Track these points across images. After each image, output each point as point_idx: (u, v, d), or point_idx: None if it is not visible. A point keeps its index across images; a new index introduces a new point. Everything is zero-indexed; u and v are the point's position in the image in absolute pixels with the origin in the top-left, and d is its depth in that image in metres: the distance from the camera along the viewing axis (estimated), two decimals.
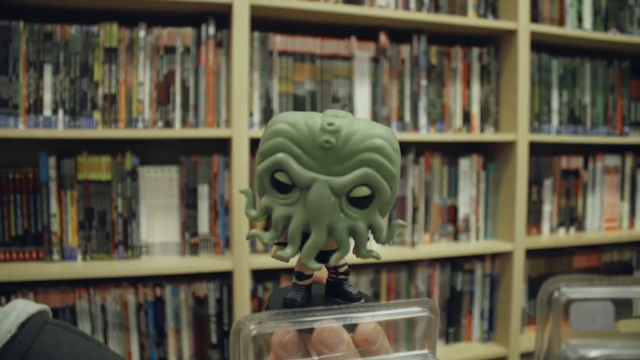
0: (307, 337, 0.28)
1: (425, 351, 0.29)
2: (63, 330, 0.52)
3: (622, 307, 0.24)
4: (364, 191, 0.29)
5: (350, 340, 0.28)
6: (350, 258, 0.32)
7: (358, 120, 0.30)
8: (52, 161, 1.31)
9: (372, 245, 0.30)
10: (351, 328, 0.28)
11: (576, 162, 1.80)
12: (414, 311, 0.29)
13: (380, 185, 0.29)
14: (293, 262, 0.32)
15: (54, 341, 0.50)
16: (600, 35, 1.71)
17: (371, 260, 0.31)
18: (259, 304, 1.44)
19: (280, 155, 0.29)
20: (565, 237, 1.77)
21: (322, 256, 0.30)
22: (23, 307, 0.51)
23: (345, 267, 0.33)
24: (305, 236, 0.30)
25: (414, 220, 1.57)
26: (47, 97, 1.30)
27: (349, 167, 0.29)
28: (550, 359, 0.24)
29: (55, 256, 1.32)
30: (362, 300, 0.33)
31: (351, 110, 1.50)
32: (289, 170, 0.29)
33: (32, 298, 1.30)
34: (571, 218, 1.80)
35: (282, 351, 0.28)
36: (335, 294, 0.33)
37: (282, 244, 0.30)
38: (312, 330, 0.28)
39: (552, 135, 1.72)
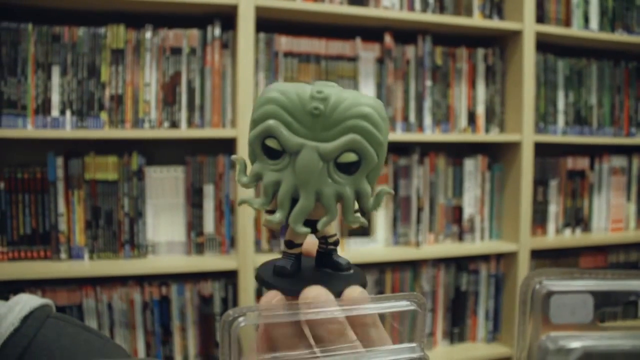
0: (295, 300, 0.29)
1: (413, 344, 0.29)
2: (65, 324, 0.53)
3: (602, 300, 0.25)
4: (351, 157, 0.30)
5: (336, 303, 0.29)
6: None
7: (347, 90, 0.31)
8: (59, 161, 1.33)
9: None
10: (338, 295, 0.29)
11: (582, 162, 1.80)
12: (402, 305, 0.29)
13: (367, 152, 0.30)
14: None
15: (56, 334, 0.51)
16: (606, 36, 1.71)
17: (357, 225, 0.32)
18: None
19: (271, 121, 0.30)
20: (571, 237, 1.77)
21: (312, 226, 0.31)
22: (26, 301, 0.52)
23: (335, 238, 0.34)
24: (294, 202, 0.31)
25: (418, 221, 1.57)
26: (55, 98, 1.31)
27: (337, 133, 0.30)
28: (530, 350, 0.25)
29: (63, 255, 1.34)
30: (351, 271, 0.34)
31: None
32: (279, 136, 0.30)
33: (40, 296, 1.31)
34: (577, 219, 1.80)
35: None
36: (325, 264, 0.34)
37: (273, 212, 0.31)
38: (298, 295, 0.29)
39: (558, 136, 1.72)
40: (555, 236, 1.76)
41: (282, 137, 0.30)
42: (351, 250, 1.51)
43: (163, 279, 1.40)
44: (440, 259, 1.63)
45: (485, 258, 1.68)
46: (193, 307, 1.41)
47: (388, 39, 1.52)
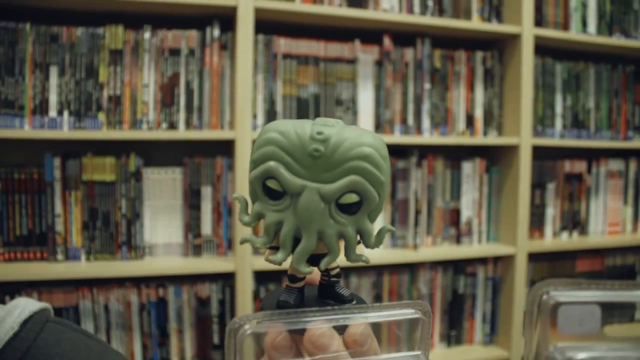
0: (299, 339, 0.29)
1: (417, 352, 0.29)
2: (64, 328, 0.53)
3: (609, 311, 0.25)
4: (352, 198, 0.30)
5: (341, 342, 0.29)
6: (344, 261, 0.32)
7: (347, 128, 0.31)
8: (57, 162, 1.32)
9: (362, 249, 0.30)
10: (341, 330, 0.29)
11: (579, 166, 1.80)
12: (407, 313, 0.29)
13: (368, 193, 0.30)
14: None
15: (55, 339, 0.51)
16: (604, 40, 1.71)
17: (361, 264, 0.32)
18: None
19: (271, 163, 0.30)
20: (568, 241, 1.77)
21: (314, 259, 0.31)
22: (25, 305, 0.52)
23: (337, 270, 0.33)
24: (296, 240, 0.31)
25: (416, 223, 1.57)
26: (53, 99, 1.31)
27: (338, 174, 0.30)
28: None
29: (59, 256, 1.33)
30: (354, 302, 0.33)
31: (354, 113, 1.51)
32: (280, 178, 0.30)
33: (36, 298, 1.31)
34: (574, 222, 1.80)
35: (275, 352, 0.29)
36: (328, 295, 0.34)
37: (275, 248, 0.31)
38: (303, 332, 0.28)
39: (555, 139, 1.72)
40: (553, 239, 1.76)
41: (283, 178, 0.30)
42: None
43: (160, 281, 1.40)
44: (438, 262, 1.63)
45: (482, 261, 1.68)
46: (190, 309, 1.41)
47: (387, 41, 1.52)
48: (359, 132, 0.30)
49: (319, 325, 0.28)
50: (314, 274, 0.34)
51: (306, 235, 0.30)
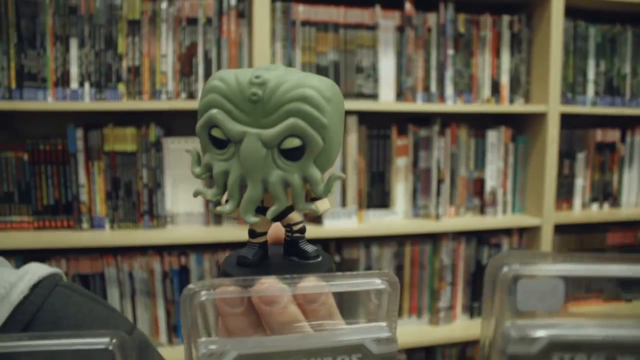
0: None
1: (382, 324, 0.28)
2: (72, 292, 0.55)
3: (574, 286, 0.23)
4: (294, 142, 0.29)
5: (291, 297, 0.28)
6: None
7: (292, 73, 0.30)
8: (79, 133, 1.35)
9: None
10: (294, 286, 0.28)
11: (612, 135, 1.73)
12: (373, 283, 0.28)
13: (309, 136, 0.29)
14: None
15: (63, 302, 0.53)
16: None
17: (311, 213, 0.31)
18: None
19: (213, 111, 0.30)
20: (599, 212, 1.72)
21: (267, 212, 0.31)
22: (36, 270, 0.54)
23: (300, 225, 0.33)
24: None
25: (438, 193, 1.54)
26: (74, 70, 1.32)
27: (278, 118, 0.29)
28: (494, 338, 0.24)
29: (85, 225, 1.37)
30: (320, 258, 0.33)
31: (375, 80, 1.47)
32: (221, 126, 0.30)
33: (64, 265, 1.35)
34: (605, 193, 1.74)
35: (225, 306, 0.28)
36: (292, 252, 0.33)
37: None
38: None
39: (586, 107, 1.66)
40: (582, 211, 1.71)
41: (224, 126, 0.30)
42: (370, 222, 1.50)
43: (182, 249, 1.42)
44: (461, 232, 1.61)
45: (507, 232, 1.65)
46: (212, 276, 1.43)
47: (408, 6, 1.47)
48: (303, 75, 0.29)
49: (268, 278, 0.27)
50: (279, 231, 0.34)
51: (251, 183, 0.30)
